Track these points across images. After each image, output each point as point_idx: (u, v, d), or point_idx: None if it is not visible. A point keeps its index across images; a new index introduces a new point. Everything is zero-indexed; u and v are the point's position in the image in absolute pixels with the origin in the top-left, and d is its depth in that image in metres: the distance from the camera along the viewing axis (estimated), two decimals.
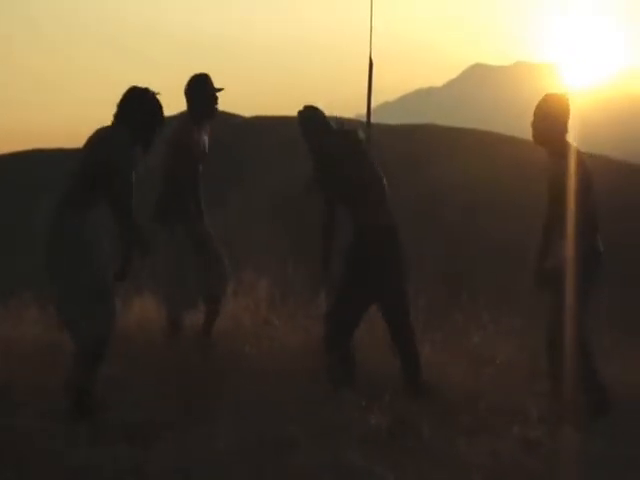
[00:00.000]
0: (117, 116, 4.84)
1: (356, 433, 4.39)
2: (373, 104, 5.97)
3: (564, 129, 5.09)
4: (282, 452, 4.11)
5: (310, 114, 5.26)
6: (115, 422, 4.50)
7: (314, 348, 5.48)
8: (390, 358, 5.40)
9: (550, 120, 5.05)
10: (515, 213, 22.01)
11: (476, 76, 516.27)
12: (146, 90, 4.86)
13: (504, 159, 26.11)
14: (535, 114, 5.13)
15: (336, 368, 5.06)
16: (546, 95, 5.16)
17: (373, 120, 5.99)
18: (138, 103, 4.81)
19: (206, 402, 4.74)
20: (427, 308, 5.82)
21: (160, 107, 4.87)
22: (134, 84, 4.91)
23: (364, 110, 5.93)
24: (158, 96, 4.88)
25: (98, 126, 4.89)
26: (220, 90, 5.77)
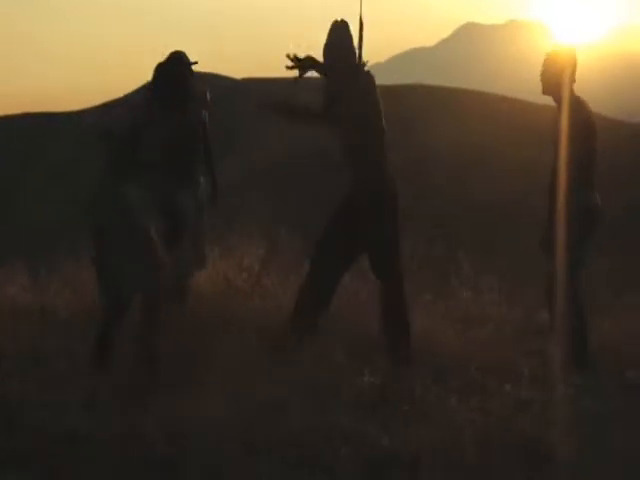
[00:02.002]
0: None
1: (347, 395, 4.42)
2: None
3: (572, 80, 5.24)
4: (273, 415, 4.13)
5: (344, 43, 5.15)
6: (105, 388, 4.50)
7: None
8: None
9: (558, 71, 5.20)
10: (508, 173, 22.02)
11: (468, 35, 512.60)
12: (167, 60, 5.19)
13: (496, 119, 26.04)
14: (544, 65, 5.30)
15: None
16: (554, 48, 5.34)
17: None
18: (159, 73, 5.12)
19: (196, 365, 4.75)
20: (417, 270, 5.83)
21: (177, 71, 5.18)
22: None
23: None
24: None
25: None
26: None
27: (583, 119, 5.14)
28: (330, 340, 5.07)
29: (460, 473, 3.75)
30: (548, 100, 5.39)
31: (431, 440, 3.92)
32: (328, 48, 5.19)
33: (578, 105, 5.19)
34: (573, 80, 5.25)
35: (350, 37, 5.19)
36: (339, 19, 5.22)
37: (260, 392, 4.35)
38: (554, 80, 5.23)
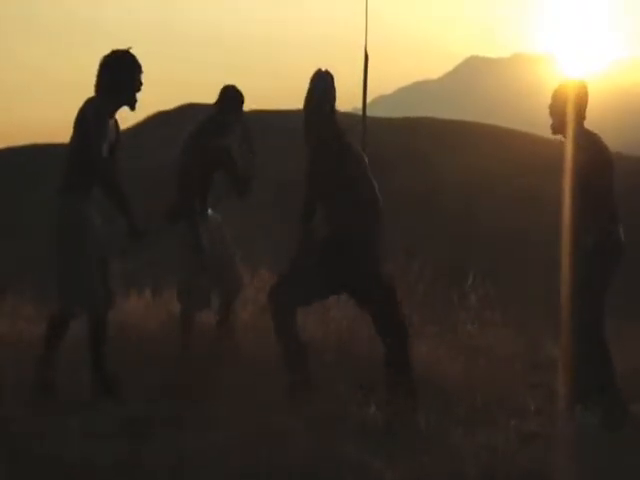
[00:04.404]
0: (97, 86, 4.93)
1: (353, 425, 4.39)
2: (369, 97, 5.96)
3: (582, 116, 5.00)
4: (275, 445, 4.09)
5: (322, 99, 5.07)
6: (110, 416, 4.51)
7: (309, 337, 5.47)
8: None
9: (566, 105, 4.94)
10: (514, 205, 22.08)
11: (473, 68, 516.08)
12: (121, 52, 4.95)
13: (502, 152, 26.15)
14: (552, 101, 5.04)
15: (290, 352, 4.98)
16: (564, 82, 5.06)
17: (369, 113, 5.99)
18: (116, 66, 4.92)
19: (202, 394, 4.74)
20: (424, 300, 5.82)
21: (136, 64, 4.97)
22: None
23: (360, 103, 5.92)
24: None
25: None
26: None
27: (598, 154, 4.92)
28: (334, 370, 5.07)
29: None
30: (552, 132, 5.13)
31: (435, 473, 3.89)
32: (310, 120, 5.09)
33: (591, 141, 4.96)
34: (583, 115, 5.00)
35: (330, 87, 5.11)
36: (322, 69, 5.12)
37: (263, 422, 4.32)
38: (564, 116, 4.95)
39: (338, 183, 4.98)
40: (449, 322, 6.09)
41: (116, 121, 5.10)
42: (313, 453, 4.02)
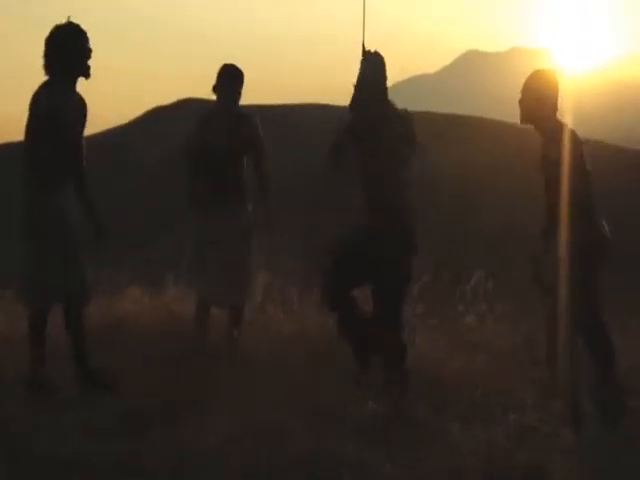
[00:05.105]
0: (50, 67, 4.82)
1: (351, 421, 4.40)
2: None
3: (554, 107, 4.83)
4: (274, 441, 4.11)
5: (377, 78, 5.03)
6: (107, 413, 4.51)
7: (308, 336, 5.51)
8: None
9: (538, 97, 4.78)
10: (511, 200, 22.11)
11: (470, 62, 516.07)
12: (63, 25, 4.84)
13: (499, 146, 26.19)
14: (522, 91, 4.87)
15: (353, 351, 5.00)
16: (534, 71, 4.92)
17: None
18: (64, 41, 4.79)
19: (200, 391, 4.75)
20: (421, 294, 5.83)
21: (81, 33, 4.85)
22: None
23: None
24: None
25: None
26: None
27: (577, 150, 4.75)
28: (332, 366, 5.08)
29: None
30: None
31: (434, 469, 3.90)
32: (360, 82, 5.07)
33: (569, 135, 4.75)
34: (555, 106, 4.82)
35: (382, 71, 5.09)
36: (372, 50, 5.10)
37: (261, 418, 4.33)
38: (536, 113, 4.78)
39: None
40: (449, 316, 6.12)
41: (80, 96, 4.97)
42: (311, 448, 4.03)
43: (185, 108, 30.93)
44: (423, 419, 4.44)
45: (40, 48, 4.88)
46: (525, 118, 4.87)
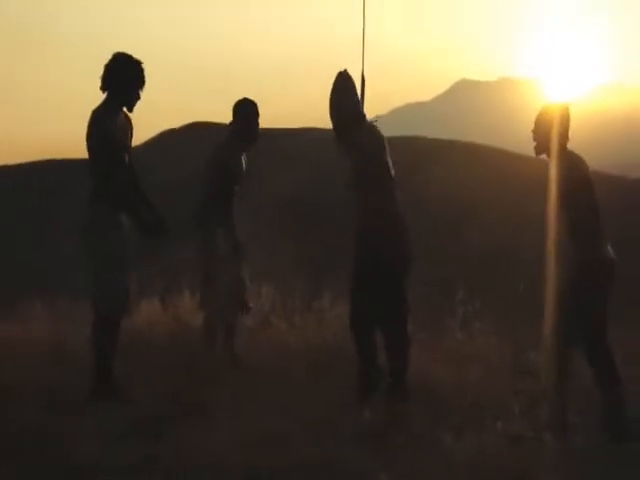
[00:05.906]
0: (107, 88, 5.14)
1: (350, 429, 4.51)
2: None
3: (565, 139, 5.09)
4: (274, 447, 4.20)
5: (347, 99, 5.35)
6: (120, 419, 4.60)
7: (310, 347, 5.64)
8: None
9: (551, 130, 5.04)
10: (498, 223, 22.24)
11: (462, 91, 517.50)
12: (127, 55, 5.18)
13: (489, 170, 26.31)
14: (536, 124, 5.13)
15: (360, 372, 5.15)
16: (547, 105, 5.17)
17: None
18: (124, 68, 5.14)
19: (205, 400, 4.83)
20: (413, 309, 5.98)
21: (140, 68, 5.19)
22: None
23: None
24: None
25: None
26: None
27: (580, 175, 5.02)
28: (333, 377, 5.21)
29: None
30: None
31: (427, 476, 4.00)
32: (333, 98, 5.37)
33: (573, 161, 5.05)
34: (566, 137, 5.09)
35: (352, 86, 5.39)
36: (342, 70, 5.41)
37: (264, 424, 4.45)
38: (547, 138, 5.05)
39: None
40: (438, 331, 6.23)
41: (126, 115, 5.25)
42: (309, 455, 4.13)
43: (194, 132, 30.99)
44: (418, 428, 4.55)
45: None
46: (540, 149, 5.15)
